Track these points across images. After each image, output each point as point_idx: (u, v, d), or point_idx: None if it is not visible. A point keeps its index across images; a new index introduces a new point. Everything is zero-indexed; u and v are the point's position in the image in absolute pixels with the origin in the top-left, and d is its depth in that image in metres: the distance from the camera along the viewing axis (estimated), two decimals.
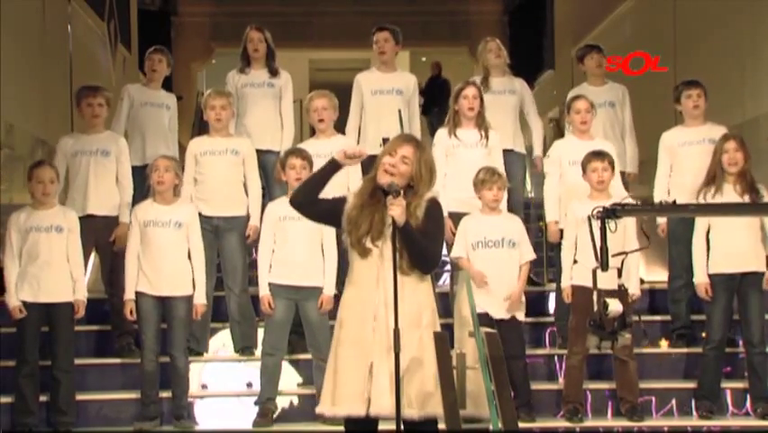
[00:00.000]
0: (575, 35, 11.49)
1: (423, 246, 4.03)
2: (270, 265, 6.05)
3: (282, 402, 6.16)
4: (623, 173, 6.91)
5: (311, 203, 4.25)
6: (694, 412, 6.17)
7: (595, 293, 3.96)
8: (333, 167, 4.21)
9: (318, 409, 4.25)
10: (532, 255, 6.14)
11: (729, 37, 8.00)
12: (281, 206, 5.88)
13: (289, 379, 6.40)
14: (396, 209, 3.92)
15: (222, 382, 6.48)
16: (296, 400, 6.23)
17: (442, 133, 6.60)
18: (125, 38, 7.21)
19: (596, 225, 3.89)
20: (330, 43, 14.93)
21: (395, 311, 3.90)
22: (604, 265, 3.85)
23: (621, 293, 4.09)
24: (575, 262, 6.05)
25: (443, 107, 14.79)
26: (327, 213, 4.30)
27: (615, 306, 3.89)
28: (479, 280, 5.89)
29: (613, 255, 3.92)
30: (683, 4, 7.28)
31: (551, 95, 12.55)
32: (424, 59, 14.45)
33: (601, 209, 3.87)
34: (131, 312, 6.00)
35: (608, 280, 4.09)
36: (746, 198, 5.97)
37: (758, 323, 6.04)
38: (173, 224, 6.00)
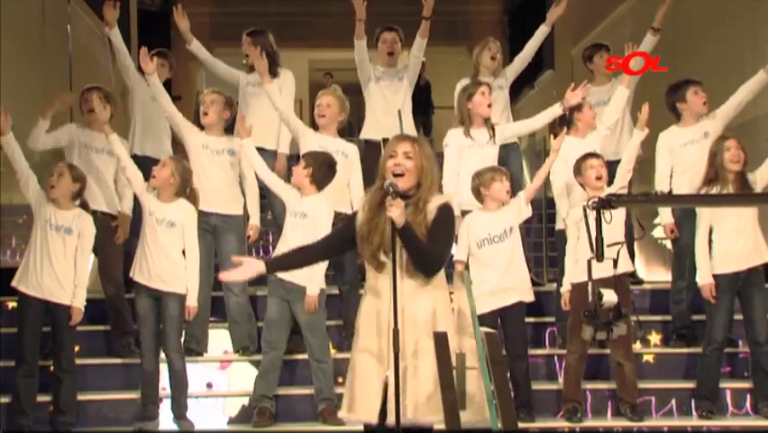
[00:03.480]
0: (575, 35, 11.48)
1: (423, 249, 3.97)
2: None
3: (282, 402, 6.15)
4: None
5: (320, 260, 4.46)
6: (694, 412, 6.18)
7: (590, 284, 3.94)
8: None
9: (339, 414, 4.31)
10: (529, 212, 6.18)
11: (729, 37, 7.99)
12: (291, 200, 6.08)
13: (289, 379, 6.40)
14: (394, 210, 3.86)
15: (221, 383, 6.47)
16: (295, 400, 6.22)
17: (455, 132, 6.60)
18: (125, 38, 7.19)
19: (591, 215, 3.88)
20: (330, 43, 14.86)
21: (394, 313, 3.88)
22: (599, 256, 3.82)
23: (616, 284, 4.07)
24: (576, 261, 6.06)
25: (431, 108, 14.77)
26: (345, 243, 4.26)
27: (609, 296, 3.86)
28: None
29: (608, 246, 3.90)
30: (683, 4, 7.27)
31: (551, 95, 12.53)
32: (424, 59, 14.44)
33: (596, 200, 3.85)
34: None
35: (603, 272, 4.09)
36: None
37: (763, 322, 6.04)
38: (165, 222, 6.00)
